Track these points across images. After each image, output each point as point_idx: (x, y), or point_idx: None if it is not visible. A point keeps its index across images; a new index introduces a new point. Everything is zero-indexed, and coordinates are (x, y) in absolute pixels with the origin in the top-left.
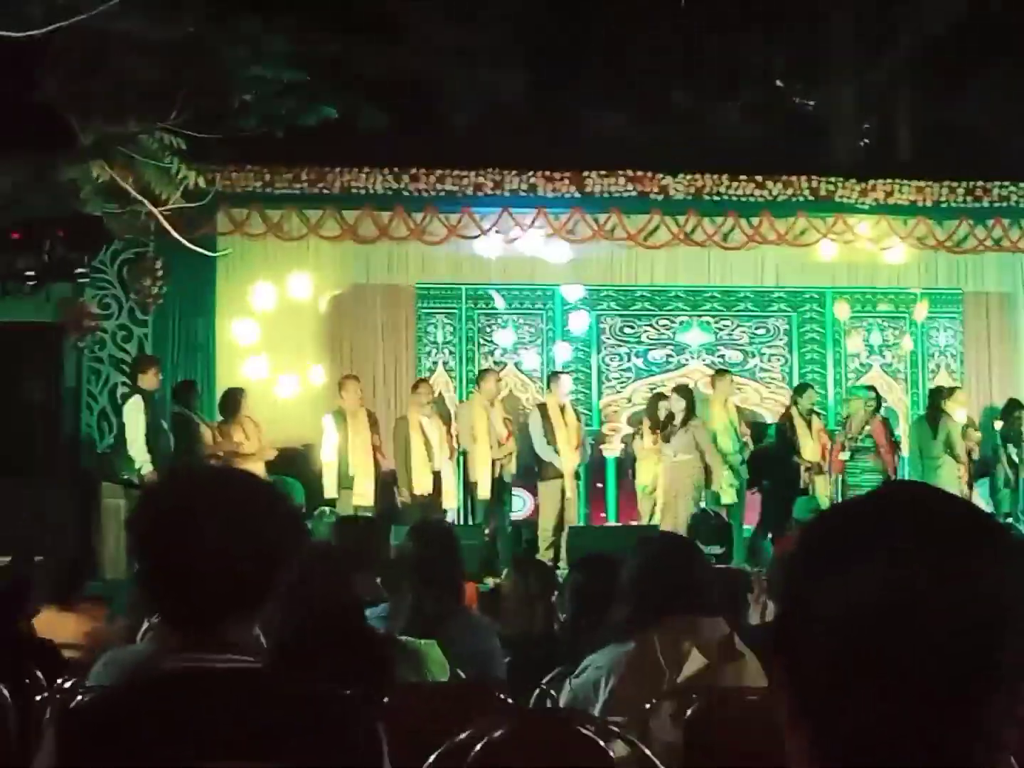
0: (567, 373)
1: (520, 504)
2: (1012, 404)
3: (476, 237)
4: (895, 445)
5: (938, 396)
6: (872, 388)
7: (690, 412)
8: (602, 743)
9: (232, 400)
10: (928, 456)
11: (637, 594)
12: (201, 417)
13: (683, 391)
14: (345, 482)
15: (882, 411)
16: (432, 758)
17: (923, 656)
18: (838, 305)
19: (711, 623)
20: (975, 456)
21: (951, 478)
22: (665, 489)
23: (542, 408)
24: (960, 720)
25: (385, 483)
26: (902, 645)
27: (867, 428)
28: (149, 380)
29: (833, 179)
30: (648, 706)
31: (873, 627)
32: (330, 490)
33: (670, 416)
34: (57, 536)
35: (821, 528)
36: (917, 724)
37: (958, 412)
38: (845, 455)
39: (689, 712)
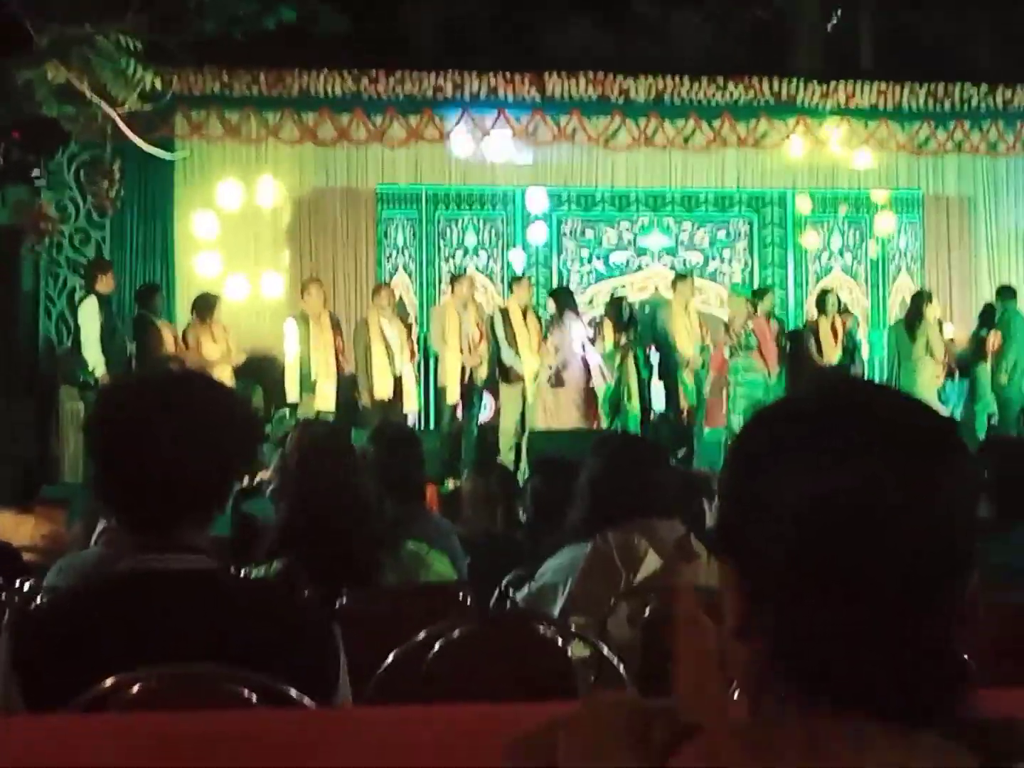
0: (528, 277)
1: (482, 408)
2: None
3: (437, 140)
4: (832, 347)
5: (920, 300)
6: (830, 291)
7: (562, 313)
8: (560, 643)
9: (205, 304)
10: (907, 359)
11: (593, 496)
12: (164, 321)
13: (555, 293)
14: (307, 386)
15: (841, 313)
16: (390, 658)
17: (893, 561)
18: (800, 199)
19: (668, 525)
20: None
21: (929, 380)
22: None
23: (504, 312)
24: (927, 619)
25: (346, 387)
26: (871, 549)
27: (749, 325)
28: (105, 283)
29: (795, 82)
30: (607, 607)
31: (838, 530)
32: (291, 394)
33: (631, 319)
34: (15, 440)
35: (765, 425)
36: (884, 626)
37: (934, 315)
38: (727, 354)
39: (647, 612)
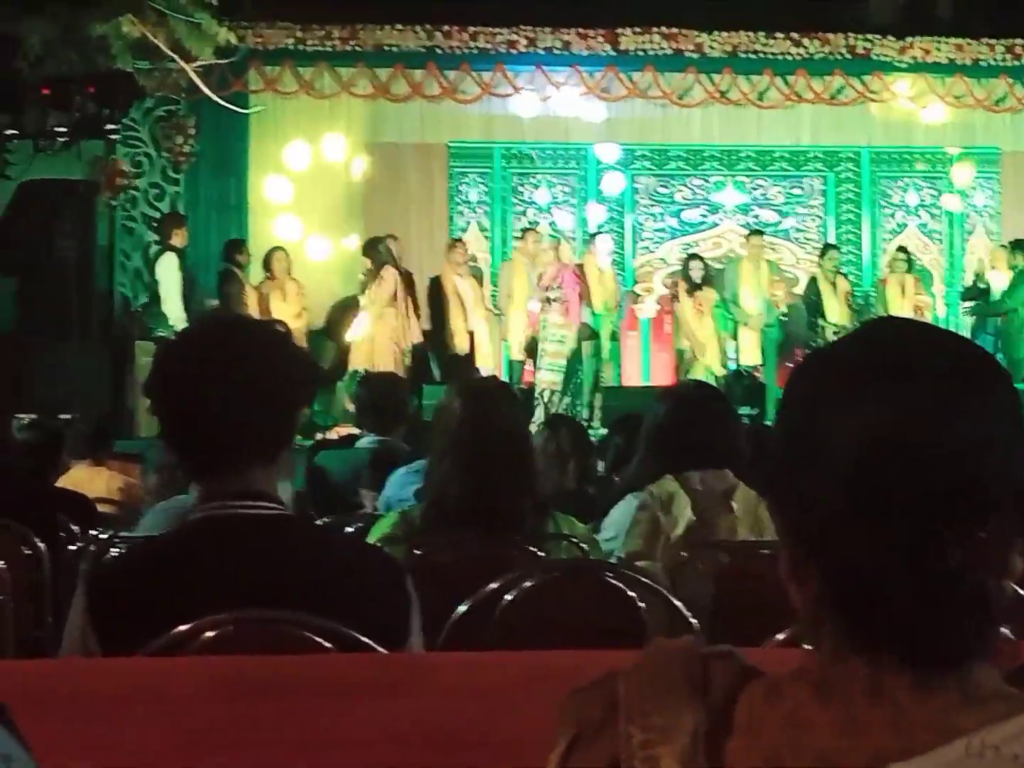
0: (607, 234)
1: None
2: None
3: (509, 95)
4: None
5: None
6: (903, 249)
7: (380, 267)
8: (631, 594)
9: (268, 260)
10: None
11: (649, 445)
12: (247, 277)
13: (368, 246)
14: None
15: (912, 271)
16: (462, 608)
17: (918, 488)
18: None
19: (718, 475)
20: None
21: None
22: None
23: (579, 268)
24: (963, 550)
25: (420, 342)
26: (899, 479)
27: (558, 279)
28: (179, 237)
29: (871, 37)
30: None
31: (879, 467)
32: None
33: (706, 277)
34: (89, 394)
35: (810, 367)
36: (920, 557)
37: None
38: (536, 307)
39: (725, 564)
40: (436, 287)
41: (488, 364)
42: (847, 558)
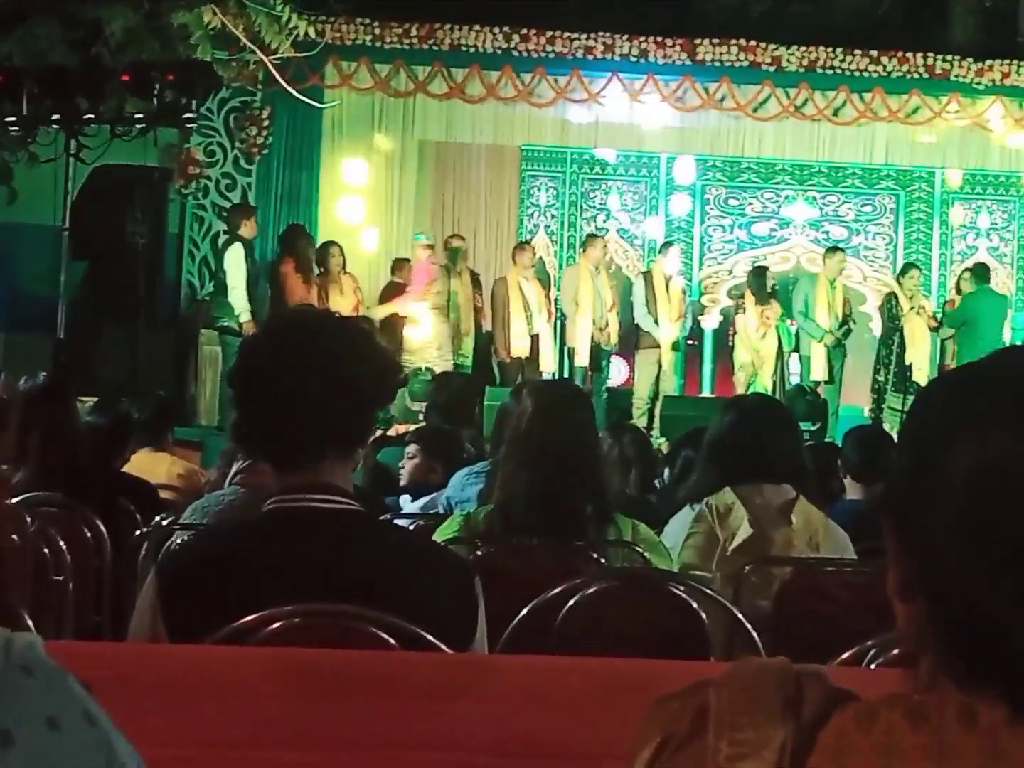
0: (677, 245)
1: (615, 372)
2: None
3: (584, 101)
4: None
5: None
6: (969, 270)
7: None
8: (695, 604)
9: (324, 255)
10: None
11: (710, 457)
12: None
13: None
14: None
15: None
16: (524, 612)
17: None
18: (949, 173)
19: (775, 489)
20: None
21: None
22: None
23: (647, 276)
24: None
25: (483, 343)
26: (1015, 512)
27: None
28: (248, 228)
29: (950, 58)
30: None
31: (1005, 498)
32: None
33: (774, 291)
34: (153, 379)
35: (944, 391)
36: None
37: None
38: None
39: (787, 579)
40: (501, 289)
41: (550, 368)
42: (958, 586)
